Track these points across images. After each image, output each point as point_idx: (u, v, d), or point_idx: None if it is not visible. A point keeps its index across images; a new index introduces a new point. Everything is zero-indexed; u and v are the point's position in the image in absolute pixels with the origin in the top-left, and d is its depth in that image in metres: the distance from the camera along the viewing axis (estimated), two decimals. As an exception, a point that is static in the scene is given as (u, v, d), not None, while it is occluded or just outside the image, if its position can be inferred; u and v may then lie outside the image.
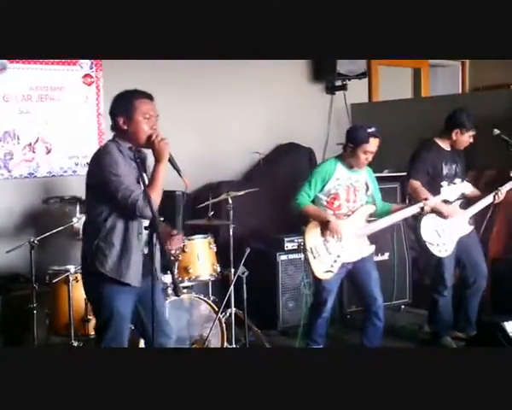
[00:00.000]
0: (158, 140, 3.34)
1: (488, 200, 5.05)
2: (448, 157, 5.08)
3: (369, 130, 4.53)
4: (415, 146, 5.23)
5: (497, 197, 5.01)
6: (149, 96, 3.48)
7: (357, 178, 4.67)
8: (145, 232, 3.38)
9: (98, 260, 3.40)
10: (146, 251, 3.43)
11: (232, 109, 6.71)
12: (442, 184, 4.80)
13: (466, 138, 5.01)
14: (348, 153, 4.59)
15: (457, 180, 5.04)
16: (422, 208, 4.62)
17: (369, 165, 4.78)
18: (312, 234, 4.59)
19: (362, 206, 4.69)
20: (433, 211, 4.92)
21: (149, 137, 3.36)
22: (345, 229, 4.56)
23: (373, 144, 4.52)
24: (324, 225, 4.53)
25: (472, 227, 5.15)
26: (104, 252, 3.39)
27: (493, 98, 6.53)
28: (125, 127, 3.42)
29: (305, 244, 4.61)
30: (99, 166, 3.36)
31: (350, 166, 4.63)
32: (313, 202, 4.61)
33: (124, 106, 3.43)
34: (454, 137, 5.02)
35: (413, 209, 4.70)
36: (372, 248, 4.73)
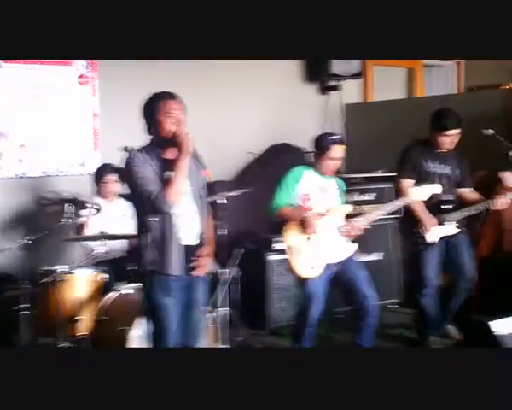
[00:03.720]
0: (181, 136, 3.51)
1: (479, 208, 5.06)
2: (436, 157, 5.09)
3: (332, 137, 4.75)
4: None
5: (491, 207, 5.02)
6: (172, 96, 3.63)
7: (328, 183, 4.79)
8: (182, 224, 3.58)
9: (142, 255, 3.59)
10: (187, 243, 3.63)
11: (226, 110, 6.72)
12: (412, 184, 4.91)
13: (442, 139, 5.01)
14: (317, 159, 4.75)
15: (445, 181, 5.06)
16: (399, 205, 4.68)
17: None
18: (292, 233, 4.65)
19: (337, 205, 4.76)
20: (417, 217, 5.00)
21: (174, 133, 3.54)
22: (323, 227, 4.61)
23: (336, 151, 4.70)
24: (302, 222, 4.59)
25: (459, 230, 5.15)
26: (145, 247, 3.53)
27: (487, 99, 6.55)
28: (152, 128, 3.62)
29: (285, 244, 4.66)
30: (124, 172, 3.61)
31: (320, 172, 4.76)
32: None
33: (148, 108, 3.62)
34: (435, 136, 5.05)
35: (396, 204, 4.79)
36: (355, 246, 4.75)
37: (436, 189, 4.79)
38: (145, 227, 3.47)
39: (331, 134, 4.82)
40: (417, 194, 4.74)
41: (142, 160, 3.53)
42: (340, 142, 4.74)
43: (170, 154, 3.61)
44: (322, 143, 4.74)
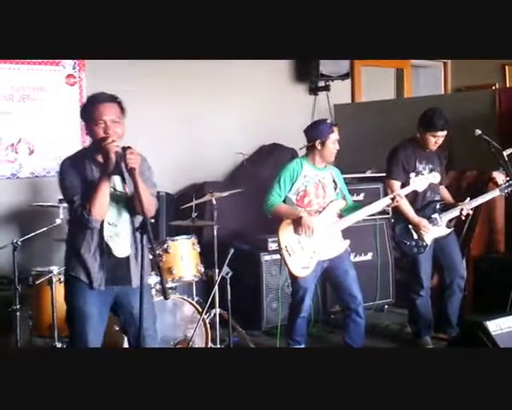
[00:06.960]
0: (106, 148, 3.29)
1: (457, 212, 5.07)
2: (423, 157, 5.09)
3: (329, 121, 4.78)
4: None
5: (463, 212, 5.04)
6: (105, 100, 3.41)
7: (324, 175, 4.74)
8: (114, 235, 3.42)
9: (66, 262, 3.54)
10: (118, 254, 3.44)
11: (216, 110, 6.72)
12: (411, 176, 4.90)
13: (429, 138, 5.01)
14: (317, 150, 4.66)
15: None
16: (393, 199, 4.65)
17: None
18: (286, 232, 4.63)
19: (332, 201, 4.72)
20: (404, 216, 5.02)
21: (100, 140, 3.34)
22: (317, 225, 4.59)
23: (337, 133, 4.68)
24: (297, 222, 4.57)
25: (450, 230, 5.17)
26: (69, 255, 3.50)
27: (475, 99, 6.58)
28: (87, 132, 3.48)
29: (279, 243, 4.65)
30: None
31: (317, 164, 4.71)
32: (284, 202, 4.67)
33: (82, 112, 3.47)
34: (419, 135, 5.07)
35: (384, 201, 4.73)
36: (347, 243, 4.75)
37: (435, 178, 4.81)
38: (74, 233, 3.42)
39: (324, 119, 4.84)
40: (418, 184, 4.76)
41: (72, 167, 3.37)
42: (336, 123, 4.76)
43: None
44: (321, 130, 4.66)
